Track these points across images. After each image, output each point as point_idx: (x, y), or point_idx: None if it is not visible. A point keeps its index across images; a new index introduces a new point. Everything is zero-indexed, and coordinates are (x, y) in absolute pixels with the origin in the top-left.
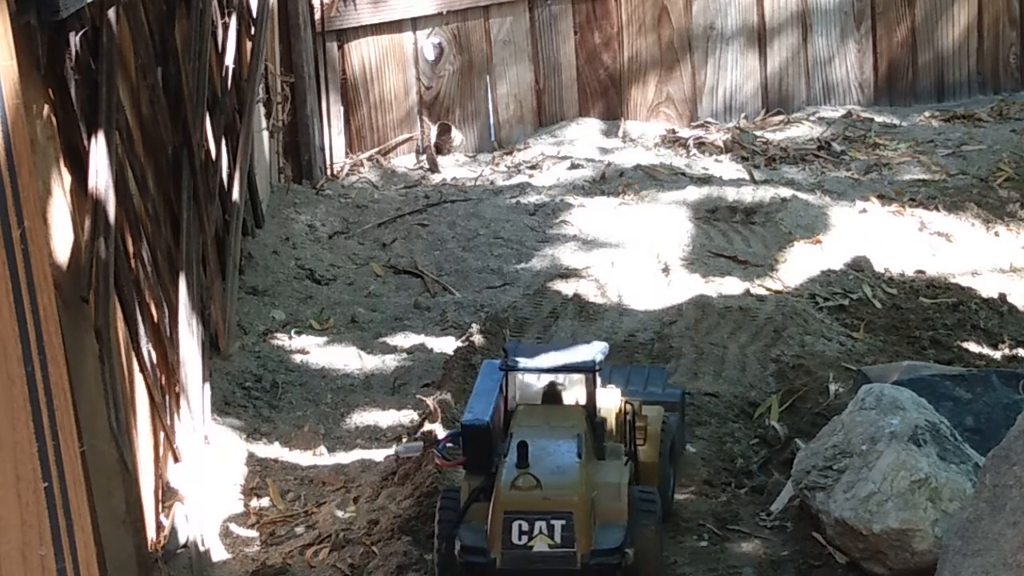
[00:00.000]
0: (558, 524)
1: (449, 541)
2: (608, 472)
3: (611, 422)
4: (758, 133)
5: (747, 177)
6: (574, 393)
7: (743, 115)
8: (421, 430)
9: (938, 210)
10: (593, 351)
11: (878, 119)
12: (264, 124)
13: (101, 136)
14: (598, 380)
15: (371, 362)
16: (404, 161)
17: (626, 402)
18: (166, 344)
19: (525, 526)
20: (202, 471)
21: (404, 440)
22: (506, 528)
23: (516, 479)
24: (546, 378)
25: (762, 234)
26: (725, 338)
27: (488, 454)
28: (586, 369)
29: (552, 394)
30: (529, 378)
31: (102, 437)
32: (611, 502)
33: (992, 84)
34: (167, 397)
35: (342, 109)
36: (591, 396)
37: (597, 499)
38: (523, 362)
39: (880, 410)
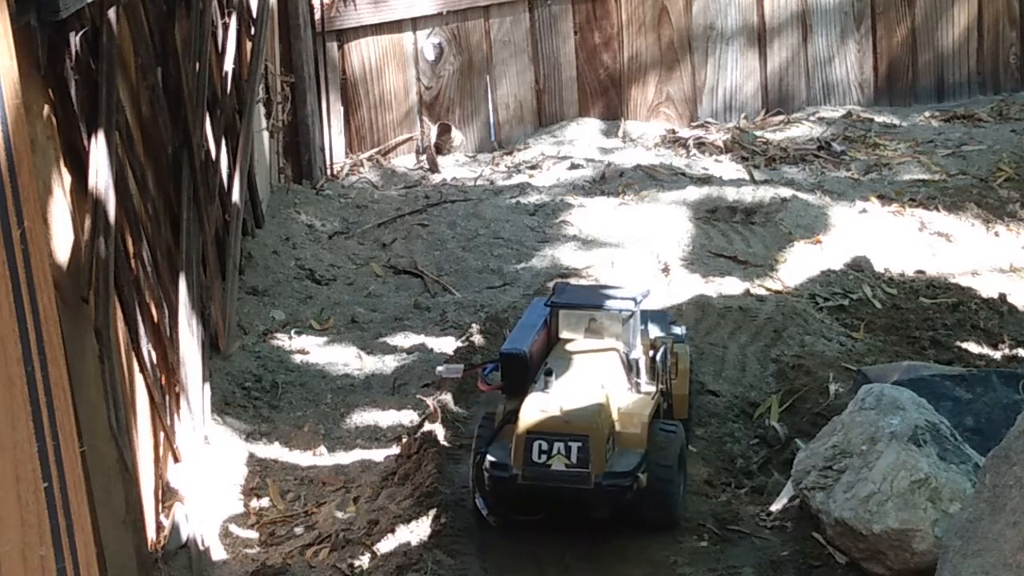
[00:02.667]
0: (575, 446)
1: (481, 457)
2: (632, 403)
3: (646, 359)
4: (758, 133)
5: (747, 177)
6: (613, 330)
7: (743, 115)
8: (421, 429)
9: (938, 210)
10: (634, 293)
11: (878, 119)
12: (264, 124)
13: (101, 136)
14: (636, 319)
15: (371, 362)
16: (404, 161)
17: (660, 341)
18: (166, 344)
19: (545, 446)
20: (202, 471)
21: (441, 376)
22: (528, 447)
23: (540, 403)
24: (588, 315)
25: (762, 234)
26: (725, 338)
27: (524, 381)
28: (624, 308)
29: (593, 330)
30: (573, 314)
31: (102, 437)
32: (631, 430)
33: (992, 84)
34: (167, 397)
35: (342, 109)
36: (627, 333)
37: (618, 427)
38: (568, 300)
39: (880, 410)
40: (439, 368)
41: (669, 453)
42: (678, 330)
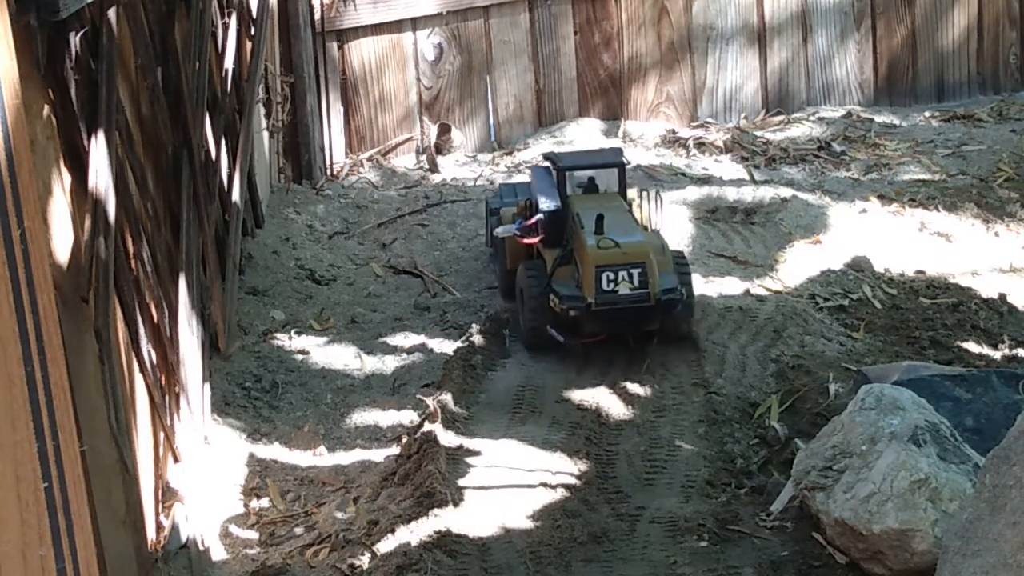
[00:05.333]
0: (635, 272)
1: (543, 295)
2: (653, 237)
3: (646, 202)
4: (758, 133)
5: (747, 177)
6: (609, 184)
7: (743, 115)
8: (421, 429)
9: (938, 210)
10: (618, 152)
11: (878, 119)
12: (264, 124)
13: (101, 136)
14: (625, 172)
15: (371, 362)
16: (404, 161)
17: (642, 190)
18: (166, 344)
19: (611, 275)
20: (202, 471)
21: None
22: (597, 279)
23: (599, 242)
24: (586, 174)
25: (762, 234)
26: (725, 338)
27: (561, 232)
28: (619, 164)
29: (590, 186)
30: (574, 174)
31: (102, 437)
32: (661, 257)
33: (992, 84)
34: (167, 397)
35: (342, 109)
36: (623, 184)
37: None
38: (573, 163)
39: (880, 410)
40: (497, 230)
41: (687, 274)
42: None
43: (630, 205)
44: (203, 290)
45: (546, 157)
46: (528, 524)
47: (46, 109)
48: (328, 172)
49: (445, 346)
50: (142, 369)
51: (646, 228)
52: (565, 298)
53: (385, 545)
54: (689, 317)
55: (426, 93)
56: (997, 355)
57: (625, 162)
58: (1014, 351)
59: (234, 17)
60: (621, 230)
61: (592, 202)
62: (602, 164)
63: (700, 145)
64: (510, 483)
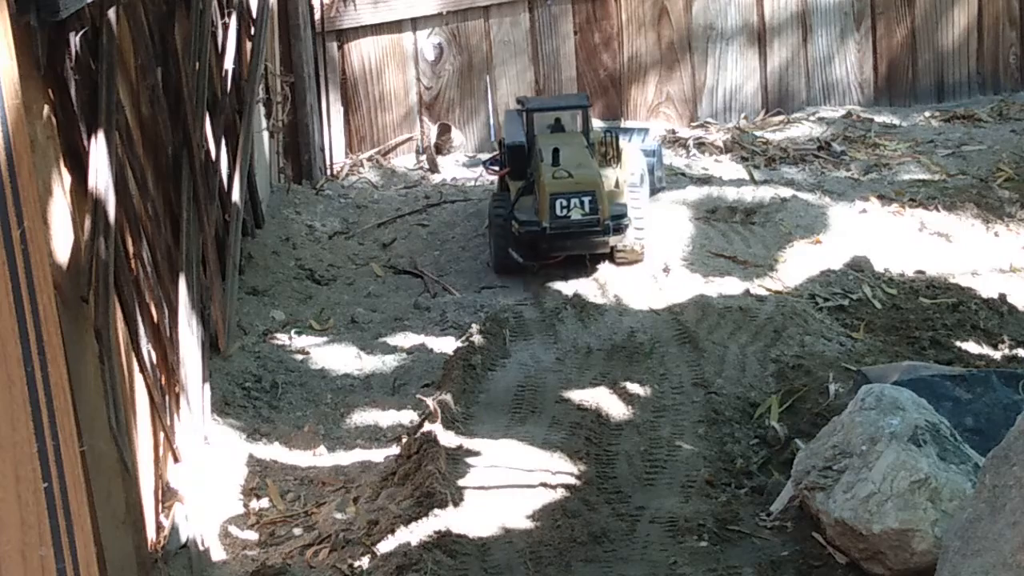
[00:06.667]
0: (586, 199)
1: (507, 222)
2: (608, 171)
3: (606, 143)
4: (758, 133)
5: (747, 177)
6: (573, 125)
7: (743, 115)
8: (421, 429)
9: (938, 210)
10: (582, 96)
11: (878, 119)
12: (264, 124)
13: (101, 136)
14: (589, 114)
15: (371, 362)
16: (404, 161)
17: (604, 131)
18: (166, 344)
19: (564, 203)
20: (202, 471)
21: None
22: (552, 206)
23: (554, 173)
24: (553, 115)
25: (762, 234)
26: (725, 338)
27: (524, 166)
28: (582, 106)
29: (557, 127)
30: (543, 116)
31: (102, 437)
32: (612, 188)
33: (992, 84)
34: (167, 397)
35: (342, 109)
36: (586, 124)
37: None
38: (538, 106)
39: (880, 410)
40: (484, 160)
41: (640, 204)
42: (649, 141)
43: (593, 144)
44: (203, 290)
45: (518, 100)
46: (528, 524)
47: (46, 109)
48: (328, 172)
49: (445, 346)
50: (142, 369)
51: (612, 162)
52: (524, 223)
53: (385, 545)
54: (640, 248)
55: (426, 93)
56: (997, 355)
57: (588, 104)
58: (1014, 351)
59: (234, 17)
60: (575, 163)
61: (554, 140)
62: (566, 106)
63: (700, 145)
64: (510, 483)
